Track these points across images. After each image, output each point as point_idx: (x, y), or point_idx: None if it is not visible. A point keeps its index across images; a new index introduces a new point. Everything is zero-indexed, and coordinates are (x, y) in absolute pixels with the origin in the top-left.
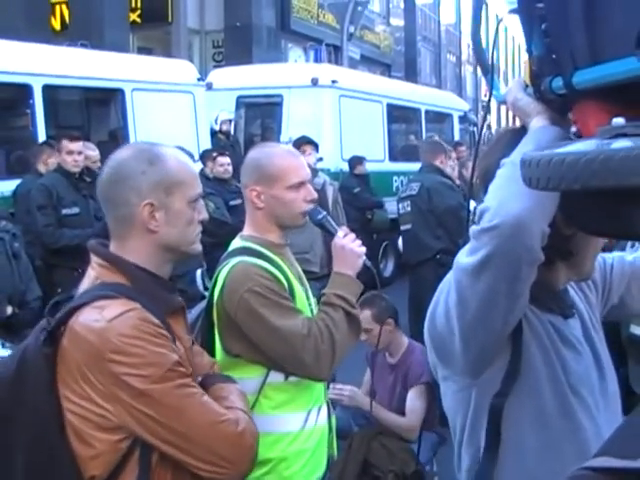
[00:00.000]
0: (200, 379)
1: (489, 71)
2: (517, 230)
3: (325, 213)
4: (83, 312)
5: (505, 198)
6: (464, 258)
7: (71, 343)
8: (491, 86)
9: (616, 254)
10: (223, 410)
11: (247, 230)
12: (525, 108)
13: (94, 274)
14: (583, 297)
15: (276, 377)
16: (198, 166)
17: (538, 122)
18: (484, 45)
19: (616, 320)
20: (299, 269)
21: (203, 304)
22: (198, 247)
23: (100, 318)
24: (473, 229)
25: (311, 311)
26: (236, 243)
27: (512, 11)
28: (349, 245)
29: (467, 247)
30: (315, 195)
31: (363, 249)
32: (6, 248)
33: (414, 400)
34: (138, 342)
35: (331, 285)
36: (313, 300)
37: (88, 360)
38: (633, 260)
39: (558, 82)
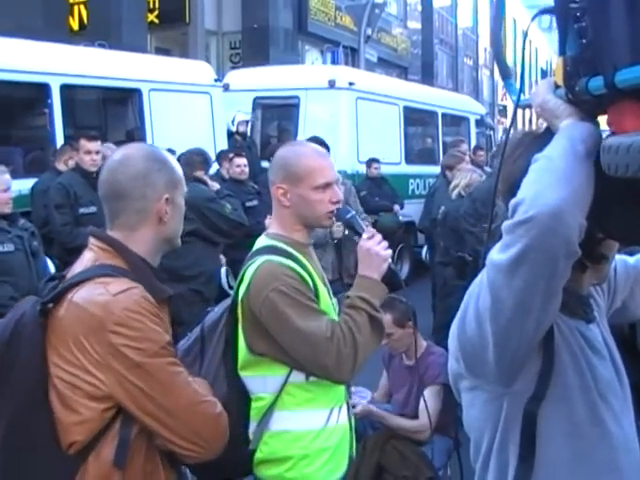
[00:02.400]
0: None
1: (509, 76)
2: (555, 221)
3: (354, 212)
4: (85, 287)
5: (541, 189)
6: (497, 255)
7: (70, 314)
8: (520, 91)
9: (618, 257)
10: (205, 391)
11: (273, 228)
12: (554, 110)
13: (93, 256)
14: (594, 301)
15: (298, 376)
16: (214, 167)
17: (568, 123)
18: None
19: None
20: (321, 268)
21: (227, 302)
22: (180, 241)
23: (105, 292)
24: (506, 224)
25: (334, 311)
26: (262, 241)
27: (544, 11)
28: (374, 248)
29: (499, 244)
30: (341, 197)
31: (389, 252)
32: (24, 246)
33: (428, 399)
34: (140, 317)
35: (356, 288)
36: (335, 300)
37: (88, 331)
38: (635, 263)
39: (596, 82)
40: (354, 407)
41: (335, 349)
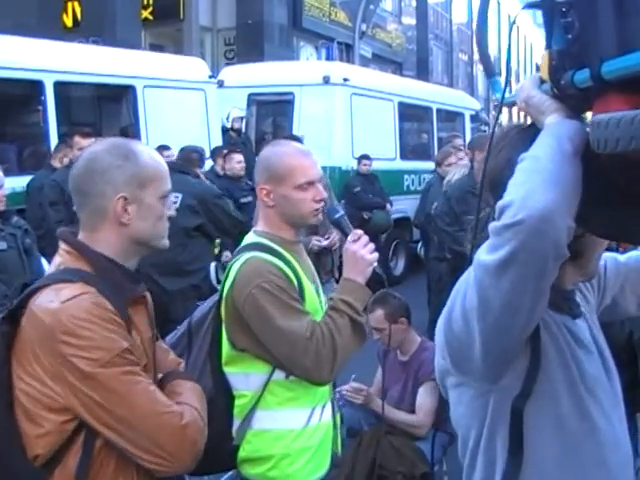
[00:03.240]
0: (161, 375)
1: (494, 74)
2: (544, 224)
3: (342, 213)
4: (42, 293)
5: (530, 191)
6: (485, 256)
7: (28, 323)
8: (504, 89)
9: (609, 255)
10: (169, 402)
11: (260, 226)
12: (539, 105)
13: (59, 260)
14: (583, 298)
15: (280, 374)
16: (209, 163)
17: (554, 119)
18: (492, 47)
19: (610, 321)
20: (311, 266)
21: (216, 297)
22: (166, 242)
23: (55, 299)
24: (493, 225)
25: (322, 309)
26: (249, 238)
27: (529, 5)
28: (360, 252)
29: (486, 244)
30: (324, 195)
31: (374, 256)
32: (17, 244)
33: (424, 396)
34: (89, 325)
35: (339, 290)
36: (324, 298)
37: (41, 340)
38: (626, 261)
39: (582, 75)
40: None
41: (314, 349)
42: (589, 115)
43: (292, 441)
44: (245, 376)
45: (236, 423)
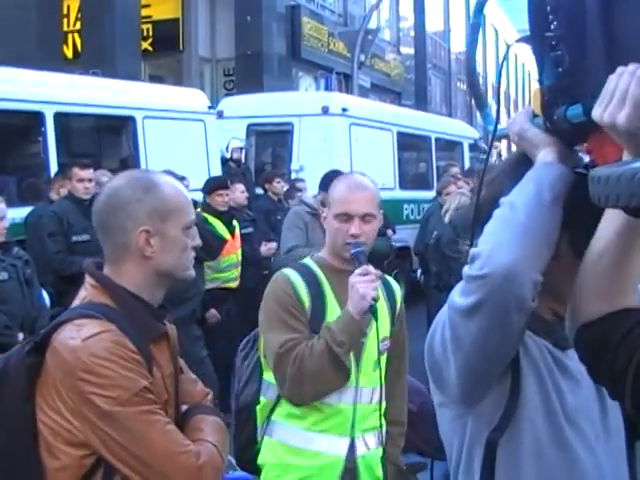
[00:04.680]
0: (185, 408)
1: (485, 105)
2: (506, 281)
3: (363, 249)
4: (64, 329)
5: (497, 246)
6: (457, 297)
7: (50, 357)
8: (497, 120)
9: None
10: (187, 442)
11: (322, 251)
12: (533, 139)
13: (83, 294)
14: None
15: None
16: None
17: (547, 155)
18: (491, 76)
19: None
20: None
21: None
22: (192, 273)
23: (76, 336)
24: (465, 271)
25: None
26: (306, 259)
27: (521, 40)
28: (357, 285)
29: (459, 286)
30: (359, 232)
31: (370, 292)
32: (18, 275)
33: None
34: (108, 364)
35: (334, 319)
36: (380, 334)
37: (62, 376)
38: None
39: (575, 110)
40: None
41: (283, 367)
42: (583, 146)
43: (286, 454)
44: (267, 384)
45: (258, 428)
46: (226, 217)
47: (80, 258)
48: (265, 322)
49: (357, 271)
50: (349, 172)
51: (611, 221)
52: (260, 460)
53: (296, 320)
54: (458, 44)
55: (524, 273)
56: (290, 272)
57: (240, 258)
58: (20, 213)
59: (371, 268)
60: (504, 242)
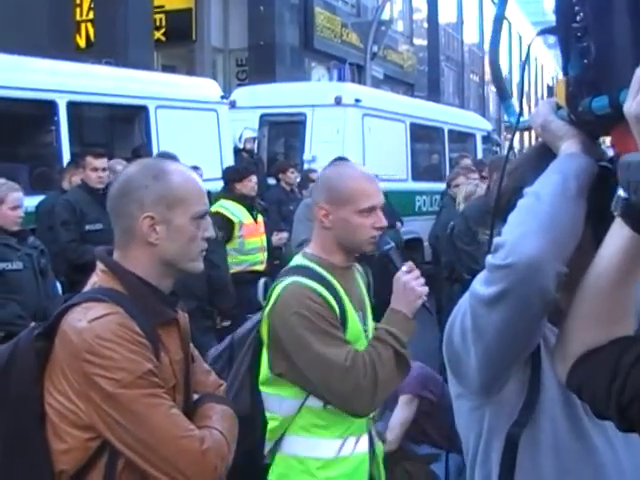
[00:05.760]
0: (197, 397)
1: (508, 97)
2: (531, 271)
3: (393, 245)
4: (73, 311)
5: (522, 236)
6: (479, 287)
7: (59, 340)
8: (519, 113)
9: None
10: (191, 426)
11: (312, 248)
12: (557, 131)
13: (94, 279)
14: None
15: (315, 402)
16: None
17: (570, 146)
18: (503, 67)
19: None
20: (360, 291)
21: (258, 317)
22: (199, 265)
23: (83, 318)
24: (488, 260)
25: (365, 337)
26: (297, 260)
27: (544, 31)
28: (410, 283)
29: (482, 275)
30: (384, 222)
31: (424, 289)
32: (33, 264)
33: (397, 409)
34: (113, 345)
35: (385, 321)
36: (371, 324)
37: (68, 358)
38: None
39: (600, 102)
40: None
41: (353, 379)
42: (606, 140)
43: (318, 469)
44: (279, 399)
45: (267, 445)
46: (249, 202)
47: (93, 247)
48: (303, 338)
49: (404, 269)
50: (343, 164)
51: (615, 239)
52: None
53: (338, 331)
54: (471, 36)
55: (548, 264)
56: (308, 282)
57: (265, 244)
58: (32, 202)
59: (411, 263)
60: (529, 232)
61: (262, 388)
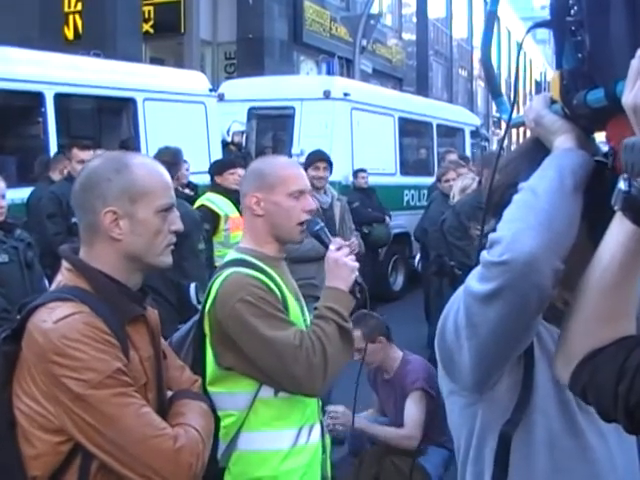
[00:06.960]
0: (171, 394)
1: (500, 94)
2: (528, 268)
3: (322, 225)
4: (38, 312)
5: (519, 232)
6: (474, 283)
7: (25, 342)
8: (511, 109)
9: None
10: (163, 425)
11: (244, 242)
12: (550, 126)
13: (60, 277)
14: None
15: (267, 392)
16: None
17: (565, 142)
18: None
19: None
20: (295, 284)
21: (195, 318)
22: (166, 260)
23: (48, 319)
24: (484, 257)
25: (306, 327)
26: (231, 255)
27: (537, 25)
28: (342, 259)
29: (477, 271)
30: (314, 206)
31: (356, 264)
32: (19, 257)
33: (411, 407)
34: (80, 345)
35: (324, 299)
36: (308, 316)
37: (35, 359)
38: None
39: (596, 94)
40: (333, 427)
41: (304, 358)
42: (600, 136)
43: (279, 463)
44: (231, 395)
45: (222, 445)
46: (235, 196)
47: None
48: (250, 324)
49: (332, 247)
50: (268, 156)
51: (616, 234)
52: (245, 477)
53: (284, 313)
54: (460, 31)
55: (545, 261)
56: (247, 270)
57: None
58: (20, 194)
59: (340, 240)
60: (526, 229)
61: (210, 388)
